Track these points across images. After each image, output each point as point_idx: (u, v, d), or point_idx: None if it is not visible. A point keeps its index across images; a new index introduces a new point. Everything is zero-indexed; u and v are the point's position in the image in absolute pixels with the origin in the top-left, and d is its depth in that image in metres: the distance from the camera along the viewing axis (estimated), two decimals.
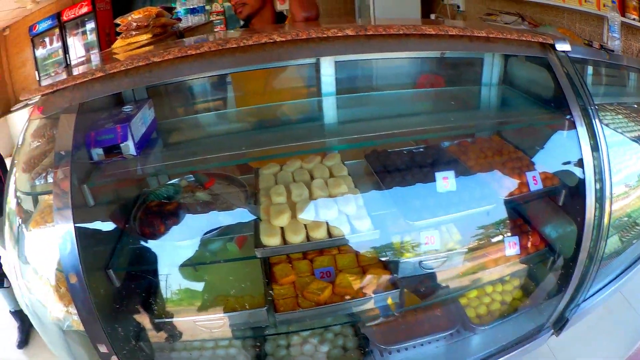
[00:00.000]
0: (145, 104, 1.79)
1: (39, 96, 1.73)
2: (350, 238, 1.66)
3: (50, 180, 1.66)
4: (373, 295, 1.75)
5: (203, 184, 1.87)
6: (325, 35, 1.53)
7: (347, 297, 1.73)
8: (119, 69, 1.53)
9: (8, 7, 8.13)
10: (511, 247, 1.86)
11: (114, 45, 2.80)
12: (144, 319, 1.78)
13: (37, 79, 9.72)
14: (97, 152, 1.61)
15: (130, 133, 1.58)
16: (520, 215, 2.03)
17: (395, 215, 1.75)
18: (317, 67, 1.92)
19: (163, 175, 1.98)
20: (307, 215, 1.69)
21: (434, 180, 1.75)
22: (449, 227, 1.84)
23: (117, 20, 2.80)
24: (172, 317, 1.77)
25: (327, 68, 1.91)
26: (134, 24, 2.69)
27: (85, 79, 1.56)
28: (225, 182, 1.95)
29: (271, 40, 1.52)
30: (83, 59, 9.09)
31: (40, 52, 9.57)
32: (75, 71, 2.19)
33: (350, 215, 1.70)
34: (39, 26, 9.30)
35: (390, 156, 1.99)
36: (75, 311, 1.52)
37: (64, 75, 1.97)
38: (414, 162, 1.94)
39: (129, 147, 1.60)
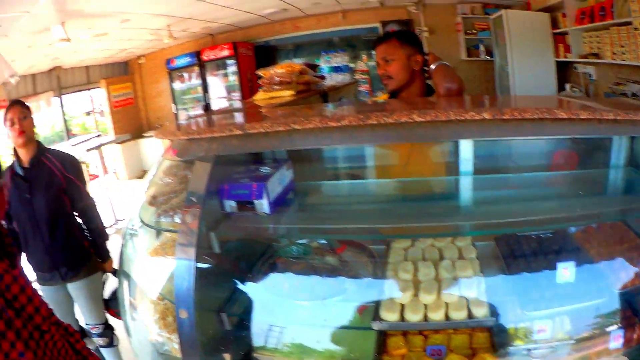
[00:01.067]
0: (283, 165, 1.83)
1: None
2: (465, 323, 1.64)
3: (177, 219, 1.75)
4: None
5: (334, 249, 1.87)
6: (463, 118, 1.50)
7: None
8: (258, 130, 1.58)
9: (144, 38, 8.77)
10: (616, 340, 1.72)
11: (255, 97, 2.93)
12: None
13: (174, 111, 10.47)
14: (230, 204, 1.68)
15: (266, 192, 1.62)
16: (630, 306, 1.85)
17: (513, 303, 1.71)
18: (456, 144, 1.88)
19: (294, 236, 2.00)
20: (429, 296, 1.67)
21: (555, 269, 1.68)
22: (562, 317, 1.75)
23: (260, 72, 2.94)
24: None
25: (466, 147, 1.86)
26: (277, 78, 2.79)
27: (222, 134, 1.63)
28: (356, 250, 1.92)
29: (410, 120, 1.51)
30: (224, 102, 9.70)
31: (177, 85, 10.29)
32: (215, 120, 2.32)
33: (470, 300, 1.68)
34: (177, 61, 10.02)
35: (518, 240, 1.92)
36: (177, 339, 1.58)
37: (201, 120, 2.08)
38: (540, 248, 1.86)
39: (263, 205, 1.63)
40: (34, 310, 1.24)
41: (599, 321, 1.73)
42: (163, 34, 8.06)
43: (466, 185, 1.86)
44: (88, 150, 7.28)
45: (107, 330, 2.87)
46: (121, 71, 11.31)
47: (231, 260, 1.78)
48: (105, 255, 2.86)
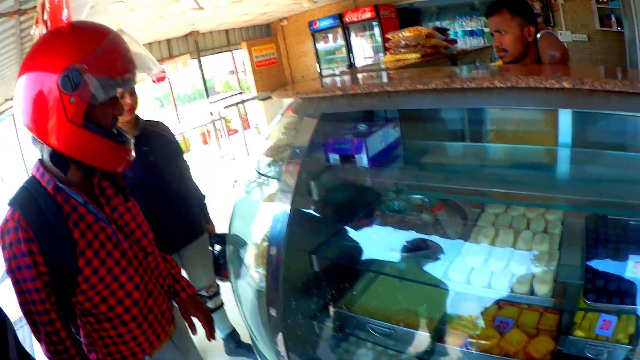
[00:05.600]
0: (390, 124, 1.90)
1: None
2: (524, 299, 1.60)
3: (284, 168, 1.91)
4: None
5: (432, 207, 1.92)
6: (542, 86, 1.44)
7: (509, 354, 1.65)
8: (356, 91, 1.68)
9: (282, 2, 8.97)
10: None
11: (383, 60, 2.99)
12: (321, 304, 1.91)
13: (318, 70, 10.76)
14: (334, 157, 1.80)
15: (365, 147, 1.71)
16: None
17: (578, 289, 1.61)
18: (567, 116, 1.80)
19: (390, 189, 2.08)
20: (497, 263, 1.66)
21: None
22: (629, 317, 1.61)
23: (388, 35, 2.99)
24: (350, 312, 1.87)
25: (567, 117, 1.78)
26: (403, 42, 2.81)
27: (326, 94, 1.77)
28: (452, 211, 1.95)
29: (492, 86, 1.49)
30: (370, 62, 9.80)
31: (321, 46, 10.56)
32: (340, 80, 2.45)
33: (536, 276, 1.62)
34: (319, 23, 10.24)
35: (608, 224, 1.78)
36: None
37: (332, 79, 2.20)
38: (626, 236, 1.71)
39: (363, 159, 1.73)
40: (141, 235, 1.50)
41: None
42: None
43: (568, 158, 1.81)
44: (226, 107, 7.77)
45: (218, 293, 2.94)
46: (263, 33, 11.81)
47: (331, 209, 1.88)
48: (208, 218, 2.92)
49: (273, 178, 1.99)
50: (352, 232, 1.91)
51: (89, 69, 1.21)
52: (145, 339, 1.48)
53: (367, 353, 1.91)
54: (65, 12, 2.92)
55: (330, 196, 1.86)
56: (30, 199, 1.29)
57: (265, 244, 1.94)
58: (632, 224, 1.75)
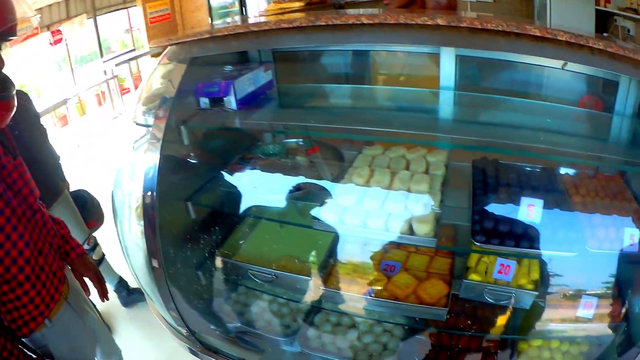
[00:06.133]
0: (261, 67, 1.90)
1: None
2: (404, 239, 1.63)
3: None
4: (420, 306, 1.68)
5: (306, 150, 1.94)
6: (414, 22, 1.43)
7: (397, 298, 1.69)
8: (223, 33, 1.67)
9: None
10: (586, 307, 1.63)
11: (267, 8, 2.93)
12: (202, 253, 1.92)
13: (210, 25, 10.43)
14: (204, 101, 1.80)
15: (233, 89, 1.72)
16: (611, 275, 1.72)
17: (466, 231, 1.64)
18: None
19: (269, 133, 2.07)
20: (372, 202, 1.66)
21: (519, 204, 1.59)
22: (530, 262, 1.68)
23: None
24: (231, 259, 1.88)
25: (446, 60, 1.82)
26: None
27: (196, 37, 1.74)
28: (328, 153, 1.99)
29: (358, 22, 1.49)
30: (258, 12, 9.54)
31: (214, 1, 10.24)
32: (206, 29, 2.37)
33: (414, 216, 1.64)
34: None
35: (497, 168, 1.83)
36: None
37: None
38: (519, 180, 1.76)
39: (231, 101, 1.75)
40: (29, 192, 1.46)
41: (569, 280, 1.66)
42: None
43: (451, 100, 1.84)
44: (117, 64, 7.39)
45: (97, 244, 3.00)
46: None
47: (205, 155, 1.88)
48: (64, 177, 2.90)
49: (146, 126, 1.93)
50: (227, 178, 1.91)
51: None
52: (41, 300, 1.45)
53: (257, 302, 1.94)
54: None
55: (204, 142, 1.85)
56: None
57: (138, 196, 1.91)
58: (527, 170, 1.81)
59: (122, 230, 2.05)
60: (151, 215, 1.65)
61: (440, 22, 1.40)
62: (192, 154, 1.80)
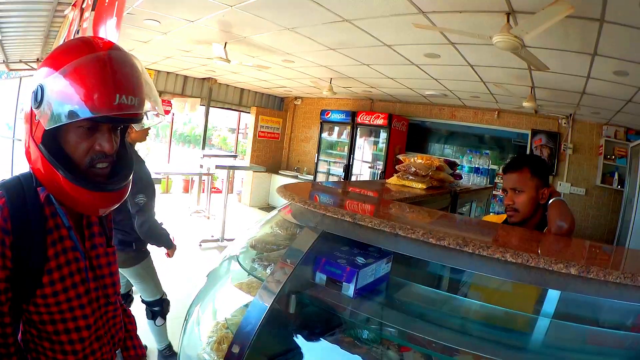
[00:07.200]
0: (384, 258, 1.86)
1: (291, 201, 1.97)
2: None
3: (268, 270, 1.87)
4: None
5: (399, 347, 1.86)
6: (550, 269, 1.44)
7: None
8: (367, 224, 1.66)
9: (303, 83, 9.21)
10: None
11: (389, 180, 2.98)
12: None
13: (315, 160, 10.88)
14: (321, 277, 1.75)
15: (356, 279, 1.67)
16: None
17: None
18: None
19: (366, 323, 2.02)
20: None
21: None
22: None
23: (400, 157, 3.03)
24: None
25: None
26: (413, 169, 2.82)
27: (334, 215, 1.75)
28: (421, 356, 1.85)
29: (502, 258, 1.48)
30: (365, 168, 9.98)
31: (326, 136, 10.70)
32: (338, 195, 2.45)
33: None
34: (332, 114, 10.39)
35: None
36: None
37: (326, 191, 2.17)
38: None
39: (349, 289, 1.68)
40: (110, 283, 1.42)
41: None
42: (323, 85, 8.48)
43: (542, 328, 1.77)
44: (218, 167, 7.82)
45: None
46: (274, 104, 12.12)
47: (300, 321, 1.81)
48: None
49: (254, 276, 1.94)
50: (314, 350, 1.84)
51: (50, 87, 1.11)
52: None
53: None
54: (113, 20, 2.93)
55: (303, 310, 1.79)
56: (19, 194, 1.20)
57: (225, 330, 1.89)
58: None
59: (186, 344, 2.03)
60: None
61: (572, 271, 1.39)
62: (290, 319, 1.76)
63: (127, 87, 1.13)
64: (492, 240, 1.75)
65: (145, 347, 3.55)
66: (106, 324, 1.44)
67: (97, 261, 1.37)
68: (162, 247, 3.28)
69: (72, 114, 1.09)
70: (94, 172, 1.21)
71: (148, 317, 3.40)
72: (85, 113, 1.09)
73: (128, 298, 3.45)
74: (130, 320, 1.70)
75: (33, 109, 1.14)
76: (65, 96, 1.09)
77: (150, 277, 3.30)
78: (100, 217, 1.40)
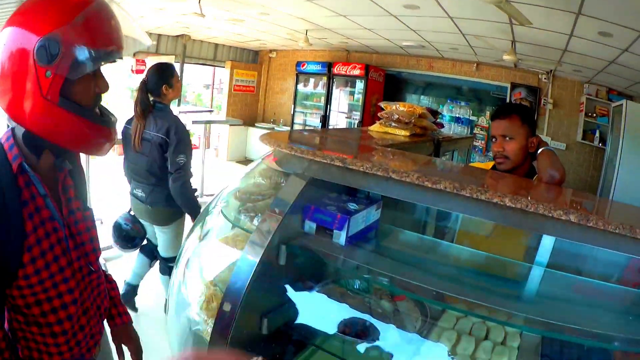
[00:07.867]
0: (374, 204, 1.82)
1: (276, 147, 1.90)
2: None
3: (255, 221, 1.81)
4: None
5: (393, 296, 1.85)
6: (550, 215, 1.41)
7: None
8: (358, 168, 1.60)
9: (279, 35, 9.06)
10: None
11: (371, 128, 2.94)
12: None
13: (291, 111, 10.78)
14: (310, 225, 1.70)
15: (348, 226, 1.63)
16: None
17: None
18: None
19: (359, 272, 1.99)
20: None
21: None
22: None
23: (382, 105, 2.96)
24: None
25: (548, 240, 1.77)
26: (396, 116, 2.77)
27: (323, 160, 1.68)
28: (414, 304, 1.87)
29: (501, 203, 1.44)
30: (342, 119, 9.90)
31: (302, 88, 10.59)
32: (323, 141, 2.38)
33: None
34: (308, 66, 10.28)
35: (562, 345, 1.74)
36: (212, 326, 1.62)
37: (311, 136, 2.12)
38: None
39: (341, 237, 1.64)
40: (91, 250, 1.37)
41: None
42: (299, 37, 8.31)
43: (536, 277, 1.78)
44: (194, 122, 7.69)
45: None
46: (249, 58, 11.86)
47: (291, 274, 1.78)
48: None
49: (240, 228, 1.88)
50: (307, 302, 1.80)
51: (67, 38, 1.10)
52: (70, 356, 1.35)
53: None
54: None
55: (293, 261, 1.75)
56: None
57: (213, 288, 1.83)
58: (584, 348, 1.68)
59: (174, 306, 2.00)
60: (227, 322, 1.54)
61: (572, 218, 1.38)
62: (281, 272, 1.71)
63: (116, 26, 1.22)
64: (489, 184, 1.72)
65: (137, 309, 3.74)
66: (91, 295, 1.41)
67: (76, 228, 1.32)
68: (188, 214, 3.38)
69: (97, 56, 1.15)
70: (96, 113, 1.26)
71: (164, 273, 3.58)
72: (106, 54, 1.18)
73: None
74: (113, 286, 1.68)
75: (41, 66, 1.10)
76: (89, 41, 1.13)
77: (180, 235, 3.47)
78: (74, 178, 1.36)
